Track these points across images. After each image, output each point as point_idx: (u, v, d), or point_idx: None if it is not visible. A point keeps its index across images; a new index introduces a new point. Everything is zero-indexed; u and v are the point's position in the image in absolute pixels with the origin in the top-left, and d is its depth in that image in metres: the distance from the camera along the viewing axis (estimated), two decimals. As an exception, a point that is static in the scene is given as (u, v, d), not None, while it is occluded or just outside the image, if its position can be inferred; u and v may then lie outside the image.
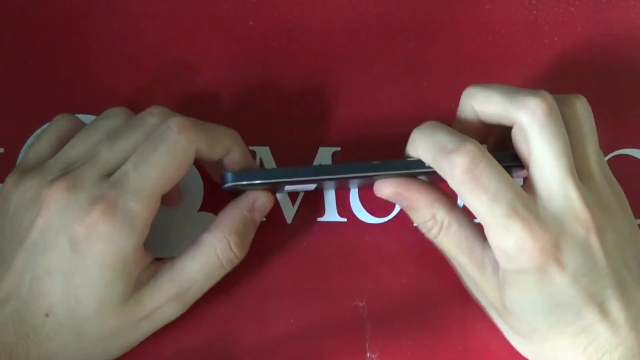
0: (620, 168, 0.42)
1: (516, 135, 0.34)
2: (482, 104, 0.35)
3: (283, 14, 0.44)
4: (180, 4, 0.44)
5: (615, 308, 0.33)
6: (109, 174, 0.35)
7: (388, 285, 0.40)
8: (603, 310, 0.33)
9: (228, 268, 0.37)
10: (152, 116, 0.36)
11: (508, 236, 0.33)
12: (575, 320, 0.33)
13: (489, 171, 0.32)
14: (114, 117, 0.37)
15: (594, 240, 0.33)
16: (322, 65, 0.43)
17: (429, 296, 0.40)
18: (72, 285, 0.34)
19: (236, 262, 0.37)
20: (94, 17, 0.44)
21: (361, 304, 0.40)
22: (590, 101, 0.43)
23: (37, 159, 0.38)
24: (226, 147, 0.37)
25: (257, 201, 0.37)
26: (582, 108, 0.35)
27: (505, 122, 0.34)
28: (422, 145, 0.34)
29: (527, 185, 0.34)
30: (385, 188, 0.36)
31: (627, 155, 0.42)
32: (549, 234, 0.32)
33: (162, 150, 0.34)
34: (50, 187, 0.34)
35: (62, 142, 0.38)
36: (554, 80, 0.43)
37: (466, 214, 0.36)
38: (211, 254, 0.36)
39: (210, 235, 0.37)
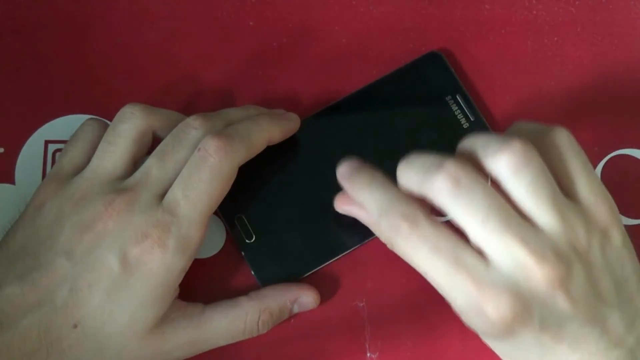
0: (620, 168, 0.42)
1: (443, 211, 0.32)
2: (405, 183, 0.33)
3: (283, 14, 0.44)
4: (180, 4, 0.44)
5: (591, 341, 0.32)
6: (161, 194, 0.36)
7: (388, 285, 0.40)
8: (575, 345, 0.32)
9: (247, 337, 0.38)
10: (195, 130, 0.37)
11: (457, 294, 0.31)
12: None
13: (431, 230, 0.31)
14: (131, 119, 0.38)
15: (557, 294, 0.31)
16: (322, 65, 0.43)
17: (429, 296, 0.40)
18: (110, 301, 0.35)
19: (255, 335, 0.38)
20: (93, 17, 0.44)
21: (361, 304, 0.40)
22: (590, 101, 0.43)
23: (72, 166, 0.38)
24: (264, 144, 0.38)
25: (303, 298, 0.39)
26: (507, 163, 0.31)
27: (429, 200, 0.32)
28: (366, 201, 0.34)
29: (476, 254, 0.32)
30: (342, 205, 0.37)
31: (627, 155, 0.42)
32: (503, 298, 0.30)
33: (206, 180, 0.35)
34: (108, 206, 0.35)
35: (94, 148, 0.38)
36: (554, 81, 0.43)
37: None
38: (240, 318, 0.38)
39: (248, 302, 0.38)
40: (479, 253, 0.31)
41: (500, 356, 0.34)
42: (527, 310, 0.30)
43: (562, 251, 0.31)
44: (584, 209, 0.33)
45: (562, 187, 0.33)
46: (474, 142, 0.33)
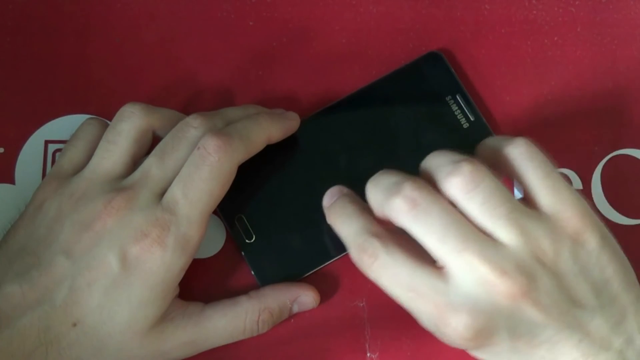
0: (620, 168, 0.42)
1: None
2: (370, 201, 0.35)
3: (283, 14, 0.44)
4: (180, 4, 0.44)
5: (572, 345, 0.32)
6: (160, 192, 0.36)
7: (388, 285, 0.40)
8: (554, 351, 0.32)
9: (247, 336, 0.38)
10: (195, 129, 0.37)
11: (421, 315, 0.33)
12: None
13: (390, 259, 0.33)
14: (131, 118, 0.38)
15: (523, 305, 0.31)
16: (322, 65, 0.43)
17: (429, 296, 0.40)
18: (110, 300, 0.35)
19: (255, 334, 0.38)
20: (93, 17, 0.44)
21: (361, 304, 0.40)
22: (590, 101, 0.43)
23: (72, 165, 0.39)
24: (263, 143, 0.38)
25: (303, 297, 0.39)
26: (459, 185, 0.32)
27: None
28: (341, 232, 0.35)
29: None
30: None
31: (627, 155, 0.42)
32: (461, 319, 0.31)
33: (206, 178, 0.36)
34: (107, 205, 0.35)
35: (94, 148, 0.38)
36: (554, 81, 0.43)
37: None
38: (240, 318, 0.38)
39: (248, 302, 0.38)
40: (441, 270, 0.32)
41: None
42: (490, 324, 0.31)
43: (524, 264, 0.31)
44: (550, 217, 0.33)
45: (527, 198, 0.33)
46: (430, 163, 0.34)
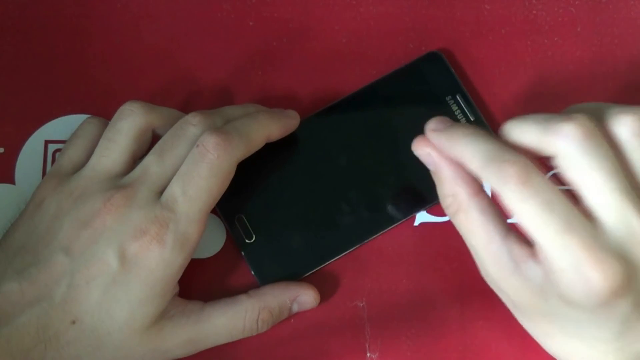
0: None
1: (560, 165, 0.31)
2: (519, 137, 0.32)
3: (283, 14, 0.44)
4: (180, 4, 0.44)
5: None
6: (160, 190, 0.36)
7: (388, 285, 0.40)
8: None
9: (246, 335, 0.38)
10: (194, 127, 0.37)
11: (563, 254, 0.30)
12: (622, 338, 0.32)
13: (543, 183, 0.30)
14: (131, 117, 0.38)
15: None
16: (322, 65, 0.43)
17: (429, 296, 0.40)
18: (109, 298, 0.35)
19: (255, 333, 0.38)
20: (93, 17, 0.44)
21: (361, 304, 0.40)
22: (590, 101, 0.43)
23: (72, 164, 0.39)
24: (263, 140, 0.38)
25: (303, 296, 0.39)
26: (631, 124, 0.31)
27: (546, 153, 0.32)
28: (468, 150, 0.32)
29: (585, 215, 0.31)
30: (418, 148, 0.35)
31: (627, 155, 0.42)
32: (613, 265, 0.29)
33: (205, 176, 0.35)
34: (107, 202, 0.35)
35: (94, 146, 0.38)
36: (554, 81, 0.43)
37: (491, 203, 0.33)
38: (240, 316, 0.38)
39: (248, 300, 0.38)
40: (588, 215, 0.30)
41: (569, 331, 0.33)
42: (630, 281, 0.30)
43: None
44: None
45: None
46: (588, 106, 0.33)
